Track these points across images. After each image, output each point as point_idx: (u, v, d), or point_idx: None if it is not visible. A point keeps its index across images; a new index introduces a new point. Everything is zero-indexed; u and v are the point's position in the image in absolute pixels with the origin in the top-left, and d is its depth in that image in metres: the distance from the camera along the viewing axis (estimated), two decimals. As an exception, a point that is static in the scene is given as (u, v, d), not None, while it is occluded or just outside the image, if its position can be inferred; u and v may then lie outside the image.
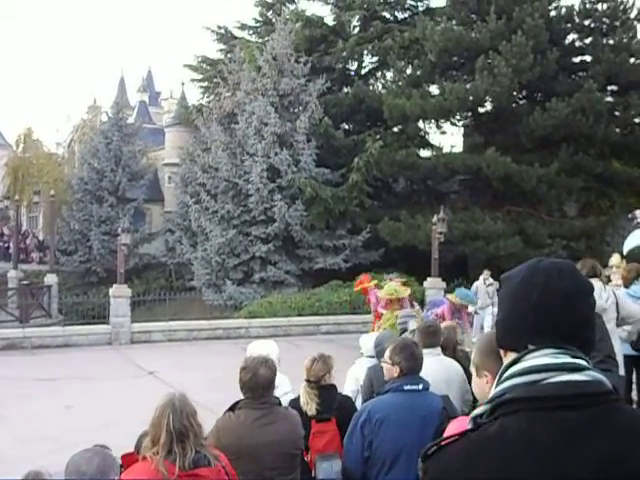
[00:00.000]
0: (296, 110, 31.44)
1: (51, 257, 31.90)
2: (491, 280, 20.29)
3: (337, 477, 5.58)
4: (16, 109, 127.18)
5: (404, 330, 8.56)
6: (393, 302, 17.20)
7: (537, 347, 1.83)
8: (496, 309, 19.54)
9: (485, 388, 2.65)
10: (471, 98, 27.45)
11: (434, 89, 30.58)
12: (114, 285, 21.56)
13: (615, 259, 12.12)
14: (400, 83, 31.15)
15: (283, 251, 29.63)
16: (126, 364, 17.22)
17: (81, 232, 37.49)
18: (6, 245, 44.57)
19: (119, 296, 20.87)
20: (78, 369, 16.36)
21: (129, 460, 4.21)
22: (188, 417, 3.92)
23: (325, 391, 5.89)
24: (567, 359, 1.80)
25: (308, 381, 5.91)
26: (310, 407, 5.75)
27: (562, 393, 1.74)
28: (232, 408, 5.00)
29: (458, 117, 31.27)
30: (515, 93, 28.59)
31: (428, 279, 23.79)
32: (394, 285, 16.37)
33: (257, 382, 4.87)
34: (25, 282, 29.54)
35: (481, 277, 20.84)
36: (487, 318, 19.60)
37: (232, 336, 20.76)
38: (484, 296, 20.05)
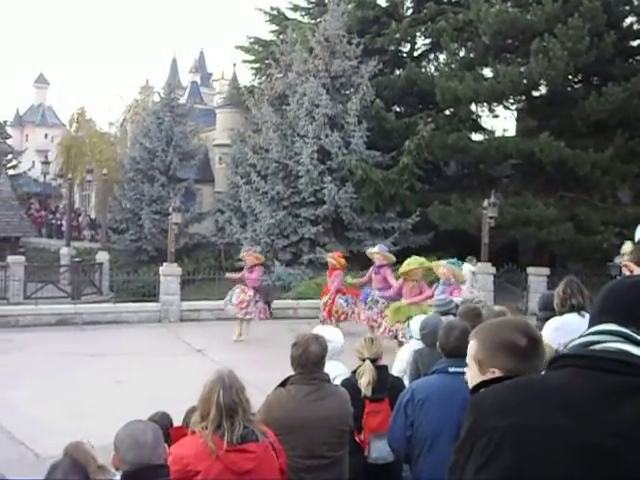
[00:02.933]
0: (347, 92, 31.32)
1: (103, 235, 32.28)
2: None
3: (390, 456, 5.61)
4: (70, 89, 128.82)
5: (444, 313, 8.48)
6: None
7: (605, 321, 1.91)
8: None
9: None
10: (525, 81, 27.04)
11: (487, 72, 30.19)
12: (164, 264, 21.77)
13: (627, 247, 11.90)
14: (453, 65, 30.80)
15: (332, 233, 29.61)
16: (175, 341, 17.39)
17: (132, 211, 37.87)
18: (59, 222, 45.25)
19: (169, 274, 21.06)
20: (128, 345, 16.56)
21: (178, 434, 4.26)
22: (237, 393, 3.97)
23: (380, 371, 5.91)
24: (626, 331, 1.85)
25: (370, 359, 5.93)
26: (369, 386, 5.77)
27: (609, 357, 1.80)
28: (283, 384, 5.03)
29: (511, 100, 30.85)
30: (570, 77, 28.09)
31: (478, 264, 23.58)
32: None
33: (308, 358, 4.90)
34: (77, 259, 29.92)
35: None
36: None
37: (280, 316, 20.79)
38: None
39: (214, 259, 35.09)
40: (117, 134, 52.26)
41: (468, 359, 2.75)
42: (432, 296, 13.29)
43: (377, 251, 16.91)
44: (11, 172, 44.37)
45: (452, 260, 14.12)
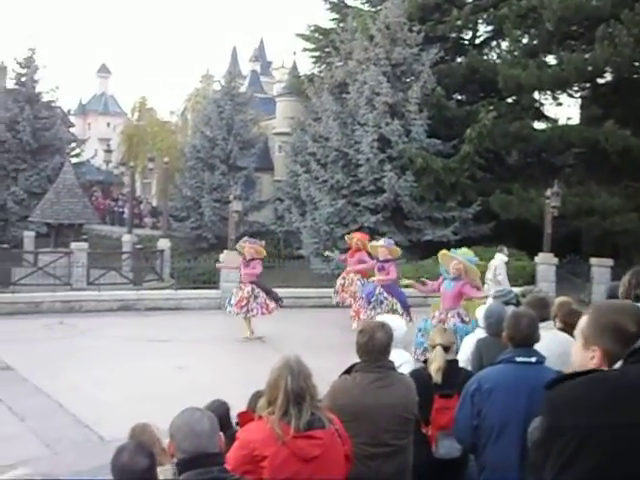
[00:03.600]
0: (408, 80, 31.12)
1: (164, 222, 32.59)
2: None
3: (457, 452, 5.57)
4: (131, 78, 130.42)
5: (505, 304, 8.34)
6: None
7: None
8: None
9: (589, 364, 2.51)
10: (590, 68, 26.57)
11: (551, 59, 29.74)
12: (225, 251, 21.93)
13: None
14: (516, 53, 30.40)
15: (392, 222, 29.48)
16: (235, 328, 17.46)
17: (193, 199, 38.18)
18: (121, 210, 45.91)
19: (229, 261, 21.17)
20: (188, 331, 16.70)
21: (244, 418, 4.26)
22: (305, 379, 3.96)
23: (450, 365, 5.83)
24: None
25: (442, 346, 5.86)
26: (439, 372, 5.70)
27: None
28: (348, 371, 5.01)
29: (575, 88, 30.36)
30: (636, 63, 27.45)
31: (540, 254, 23.28)
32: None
33: (373, 345, 4.87)
34: (139, 246, 30.27)
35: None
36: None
37: (326, 304, 20.80)
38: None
39: (273, 247, 35.05)
40: (178, 123, 52.77)
41: (576, 332, 2.73)
42: (438, 290, 12.67)
43: (382, 244, 16.23)
44: (74, 160, 44.99)
45: (470, 257, 12.45)
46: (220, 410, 4.70)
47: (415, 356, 10.75)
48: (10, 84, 44.79)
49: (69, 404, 10.79)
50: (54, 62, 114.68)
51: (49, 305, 19.00)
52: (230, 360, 13.13)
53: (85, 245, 27.81)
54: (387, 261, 15.72)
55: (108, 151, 49.29)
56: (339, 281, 18.36)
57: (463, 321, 11.48)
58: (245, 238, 17.35)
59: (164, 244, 29.64)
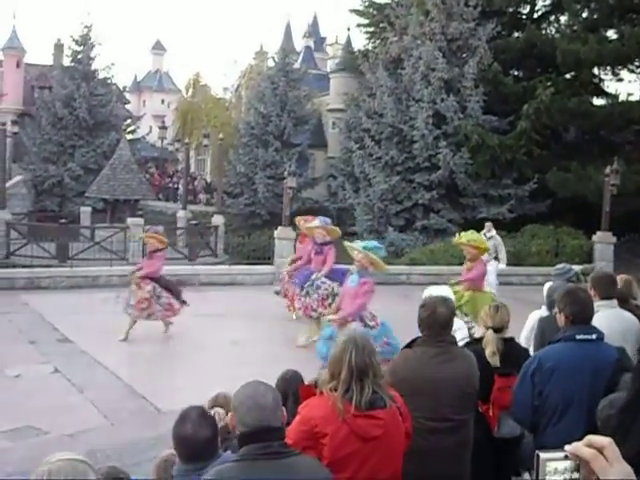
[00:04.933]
0: (464, 55, 30.70)
1: (218, 199, 32.77)
2: (493, 233, 18.56)
3: (517, 431, 5.51)
4: (185, 55, 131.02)
5: (568, 281, 8.18)
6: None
7: None
8: (500, 264, 18.31)
9: None
10: (652, 43, 25.94)
11: (612, 33, 29.12)
12: (279, 227, 22.00)
13: None
14: (575, 27, 29.80)
15: (446, 199, 29.25)
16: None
17: (247, 175, 38.29)
18: (175, 186, 46.26)
19: (283, 238, 21.28)
20: (243, 306, 16.79)
21: (306, 392, 4.22)
22: (369, 355, 3.92)
23: (508, 344, 5.74)
24: None
25: (493, 329, 5.76)
26: (495, 357, 5.61)
27: None
28: (409, 345, 4.97)
29: (637, 63, 29.69)
30: (701, 38, 26.76)
31: (597, 233, 22.90)
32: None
33: (435, 320, 4.81)
34: (193, 222, 30.51)
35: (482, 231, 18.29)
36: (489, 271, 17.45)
37: (392, 282, 20.72)
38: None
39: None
40: (232, 99, 52.88)
41: None
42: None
43: (318, 225, 13.88)
44: (129, 137, 45.44)
45: (371, 244, 10.93)
46: (295, 378, 4.70)
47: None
48: (67, 61, 45.30)
49: (126, 376, 10.94)
50: (110, 39, 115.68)
51: (106, 279, 19.24)
52: (284, 336, 13.13)
53: (141, 220, 28.09)
54: (325, 244, 13.53)
55: (163, 128, 49.67)
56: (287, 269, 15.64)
57: (367, 325, 9.80)
58: (148, 227, 15.32)
59: (218, 220, 29.82)
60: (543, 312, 7.18)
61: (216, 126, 44.36)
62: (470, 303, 11.14)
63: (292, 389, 4.36)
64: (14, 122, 42.40)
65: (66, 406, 9.74)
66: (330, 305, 12.41)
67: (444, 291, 6.67)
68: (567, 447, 1.71)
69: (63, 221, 28.38)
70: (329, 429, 3.80)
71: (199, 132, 47.05)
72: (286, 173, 22.55)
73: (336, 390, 3.86)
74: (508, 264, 22.96)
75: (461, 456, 4.97)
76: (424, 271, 21.65)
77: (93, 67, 43.99)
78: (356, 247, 10.46)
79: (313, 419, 3.85)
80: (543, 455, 1.72)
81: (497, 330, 5.76)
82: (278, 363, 10.22)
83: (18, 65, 49.18)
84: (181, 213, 32.90)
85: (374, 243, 10.94)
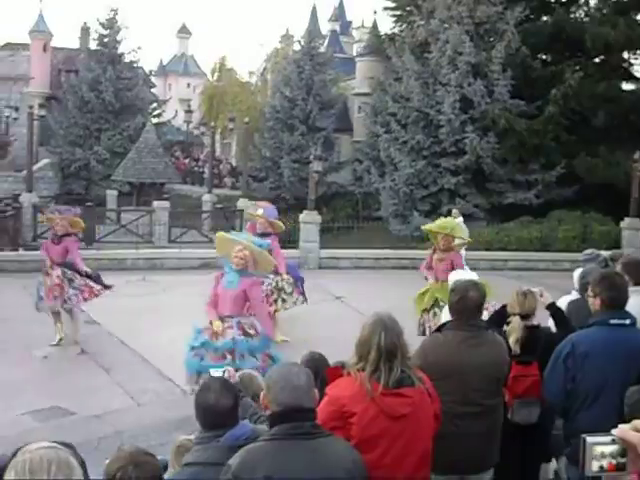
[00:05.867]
0: (492, 39, 30.41)
1: (243, 183, 32.82)
2: (459, 220, 17.85)
3: (533, 419, 5.54)
4: (211, 39, 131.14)
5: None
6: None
7: None
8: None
9: None
10: (684, 27, 25.59)
11: (642, 17, 28.74)
12: (304, 211, 21.97)
13: None
14: (605, 11, 29.42)
15: (472, 184, 29.07)
16: (315, 288, 17.42)
17: (272, 159, 38.24)
18: (201, 170, 46.33)
19: (309, 222, 21.25)
20: (268, 290, 16.76)
21: (333, 374, 4.21)
22: (397, 336, 3.93)
23: (532, 332, 5.68)
24: None
25: (520, 315, 5.69)
26: (517, 344, 5.56)
27: None
28: (439, 329, 4.94)
29: (668, 47, 29.29)
30: None
31: (626, 219, 22.66)
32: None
33: (466, 304, 4.79)
34: (219, 206, 30.56)
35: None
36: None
37: (418, 266, 20.63)
38: None
39: (351, 208, 35.15)
40: (257, 83, 52.83)
41: None
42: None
43: (261, 214, 12.61)
44: (155, 120, 45.57)
45: (258, 241, 9.52)
46: (322, 360, 4.69)
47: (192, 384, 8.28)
48: (93, 45, 45.45)
49: (152, 358, 11.00)
50: (136, 23, 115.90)
51: (132, 262, 19.34)
52: (311, 319, 13.12)
53: (167, 204, 28.18)
54: (266, 235, 12.11)
55: (188, 111, 49.75)
56: None
57: (246, 333, 8.51)
58: (54, 207, 13.64)
59: (243, 204, 29.82)
60: (573, 297, 7.11)
61: (242, 110, 44.32)
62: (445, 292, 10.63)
63: (319, 370, 4.35)
64: (41, 106, 42.59)
65: (93, 387, 9.81)
66: (275, 301, 11.89)
67: (469, 276, 6.62)
68: (614, 431, 1.67)
69: (89, 204, 28.55)
70: (357, 408, 3.81)
71: (225, 116, 47.01)
72: (312, 157, 22.51)
73: (364, 371, 3.87)
74: (530, 249, 22.91)
75: (490, 441, 4.96)
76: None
77: (119, 51, 44.09)
78: (239, 240, 8.96)
79: (341, 399, 3.85)
80: (590, 439, 1.68)
81: (524, 317, 5.70)
82: (307, 347, 10.23)
83: (45, 49, 49.37)
84: (207, 197, 32.97)
85: (259, 241, 9.44)
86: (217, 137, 45.96)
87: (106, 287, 12.11)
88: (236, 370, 7.71)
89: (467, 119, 28.76)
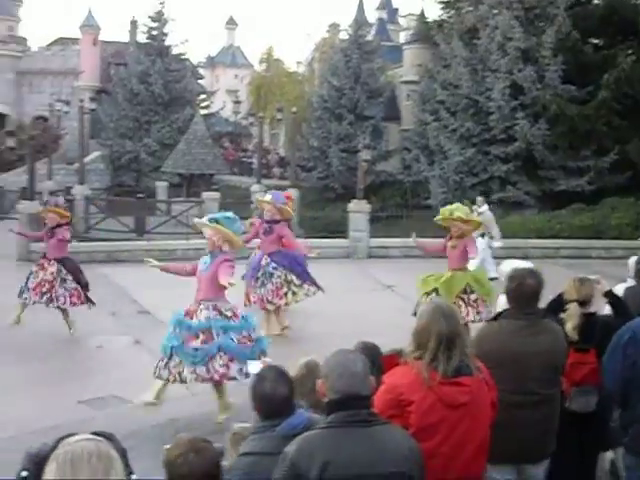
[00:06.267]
0: (542, 24, 30.01)
1: (291, 173, 32.83)
2: (484, 208, 17.88)
3: (590, 407, 5.45)
4: (258, 30, 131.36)
5: None
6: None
7: None
8: (494, 242, 17.56)
9: None
10: None
11: (698, -3, 28.07)
12: (353, 200, 21.92)
13: None
14: (659, -9, 28.82)
15: (523, 171, 28.78)
16: (365, 277, 17.47)
17: (320, 149, 38.21)
18: (249, 161, 46.49)
19: (358, 211, 21.20)
20: (319, 279, 16.76)
21: (389, 362, 4.18)
22: (457, 324, 3.92)
23: (589, 319, 5.58)
24: None
25: (578, 302, 5.59)
26: (574, 331, 5.46)
27: None
28: (495, 317, 4.88)
29: None
30: None
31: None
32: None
33: (523, 292, 4.72)
34: (268, 196, 30.62)
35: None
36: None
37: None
38: None
39: (400, 197, 34.97)
40: (305, 73, 52.82)
41: None
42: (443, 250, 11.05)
43: (268, 200, 12.22)
44: (204, 112, 45.86)
45: (220, 214, 8.92)
46: (376, 349, 4.66)
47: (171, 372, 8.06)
48: (142, 38, 45.85)
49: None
50: (183, 16, 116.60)
51: (183, 252, 19.47)
52: (362, 309, 13.11)
53: (216, 195, 28.34)
54: (275, 222, 12.01)
55: (236, 102, 49.96)
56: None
57: (222, 314, 8.18)
58: (47, 199, 13.19)
59: (293, 194, 29.84)
60: (628, 284, 6.99)
61: (289, 100, 44.40)
62: (447, 283, 10.49)
63: (375, 358, 4.32)
64: (92, 99, 43.17)
65: (147, 376, 9.87)
66: (286, 295, 11.65)
67: (525, 265, 6.52)
68: None
69: (140, 196, 28.85)
70: (415, 397, 3.79)
71: (272, 106, 47.13)
72: (360, 146, 22.50)
73: (421, 359, 3.84)
74: (582, 237, 22.49)
75: (547, 430, 4.89)
76: (500, 244, 21.32)
77: (167, 43, 44.46)
78: (204, 222, 8.55)
79: (399, 387, 3.84)
80: None
81: (581, 304, 5.60)
82: (357, 336, 10.21)
83: (95, 43, 49.94)
84: (255, 187, 32.97)
85: (225, 214, 8.87)
86: (265, 127, 46.01)
87: (89, 300, 11.83)
88: (210, 355, 7.80)
89: (517, 105, 28.49)
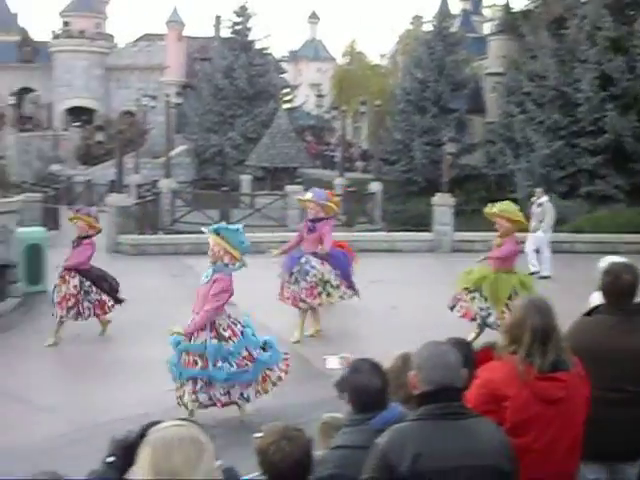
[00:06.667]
0: (632, 12, 29.25)
1: (374, 166, 32.79)
2: (544, 199, 17.16)
3: None
4: (341, 23, 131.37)
5: None
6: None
7: None
8: (546, 234, 16.83)
9: None
10: None
11: None
12: (437, 194, 21.74)
13: None
14: None
15: (612, 164, 28.11)
16: (447, 272, 17.24)
17: (403, 142, 38.02)
18: (332, 154, 46.56)
19: (442, 205, 21.01)
20: (401, 273, 16.74)
21: (483, 357, 4.12)
22: (551, 318, 3.83)
23: None
24: None
25: None
26: None
27: None
28: (589, 312, 4.75)
29: None
30: None
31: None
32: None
33: (618, 287, 4.59)
34: (351, 189, 30.60)
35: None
36: (529, 243, 16.56)
37: (556, 250, 20.20)
38: (534, 219, 16.60)
39: (485, 191, 34.52)
40: (388, 66, 52.61)
41: None
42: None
43: (310, 198, 11.78)
44: (287, 106, 46.09)
45: (224, 227, 8.57)
46: (467, 343, 4.58)
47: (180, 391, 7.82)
48: (226, 33, 46.34)
49: (289, 339, 11.10)
50: (266, 10, 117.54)
51: (267, 245, 19.57)
52: (443, 303, 12.96)
53: (300, 188, 28.42)
54: (318, 220, 11.48)
55: (319, 96, 50.11)
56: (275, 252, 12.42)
57: (220, 336, 7.80)
58: (79, 207, 12.72)
59: (375, 187, 29.82)
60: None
61: (372, 93, 44.29)
62: (491, 286, 10.05)
63: (467, 353, 4.24)
64: (177, 94, 43.94)
65: (232, 367, 9.99)
66: (320, 295, 11.15)
67: (621, 260, 6.32)
68: None
69: (224, 189, 29.14)
70: (510, 391, 3.73)
71: (355, 100, 47.12)
72: (445, 139, 22.31)
73: (516, 354, 3.78)
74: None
75: (640, 430, 4.73)
76: (588, 239, 20.87)
77: (251, 38, 44.82)
78: (210, 234, 8.14)
79: (493, 382, 3.79)
80: None
81: None
82: (437, 330, 10.10)
83: (179, 38, 50.72)
84: (338, 180, 33.07)
85: (231, 226, 8.59)
86: (348, 121, 46.08)
87: (117, 301, 11.55)
88: (209, 380, 7.61)
89: (607, 97, 27.88)
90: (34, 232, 10.75)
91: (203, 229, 8.67)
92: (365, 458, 3.32)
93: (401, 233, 22.20)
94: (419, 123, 37.51)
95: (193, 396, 7.61)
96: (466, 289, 10.36)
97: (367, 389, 3.76)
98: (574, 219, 25.46)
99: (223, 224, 8.78)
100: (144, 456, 2.17)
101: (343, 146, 36.48)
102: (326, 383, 4.37)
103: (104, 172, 38.61)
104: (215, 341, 7.68)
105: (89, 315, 11.24)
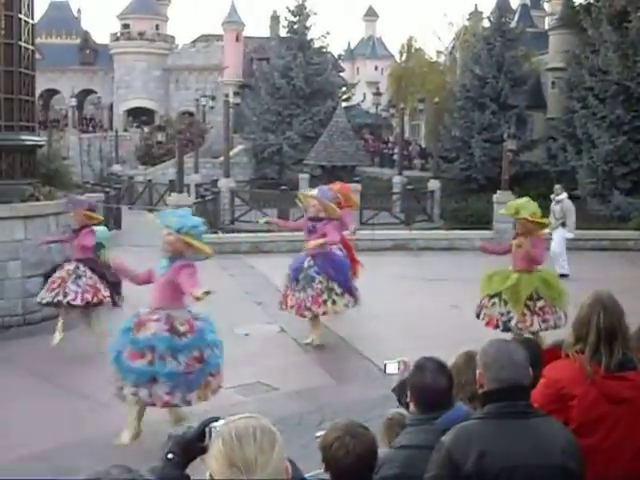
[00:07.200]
0: None
1: (433, 164, 32.61)
2: (563, 196, 16.75)
3: None
4: (398, 20, 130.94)
5: None
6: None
7: None
8: (567, 232, 16.43)
9: None
10: None
11: None
12: (498, 191, 21.53)
13: None
14: None
15: (678, 160, 27.53)
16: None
17: (462, 139, 37.64)
18: (390, 152, 46.40)
19: (503, 202, 20.64)
20: (461, 272, 16.56)
21: (550, 356, 4.07)
22: (618, 316, 3.77)
23: None
24: None
25: None
26: None
27: None
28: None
29: None
30: None
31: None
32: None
33: None
34: (409, 187, 30.50)
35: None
36: (555, 239, 16.43)
37: (620, 248, 19.91)
38: (552, 216, 16.18)
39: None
40: (446, 62, 52.17)
41: None
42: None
43: (314, 194, 11.38)
44: (345, 104, 46.11)
45: (181, 213, 7.98)
46: (534, 341, 4.53)
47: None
48: (283, 32, 46.52)
49: (350, 338, 11.12)
50: (324, 9, 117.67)
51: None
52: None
53: (358, 186, 28.37)
54: (319, 220, 10.96)
55: (377, 94, 49.97)
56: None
57: (174, 329, 7.25)
58: (69, 197, 12.11)
59: (434, 185, 29.68)
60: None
61: (430, 90, 43.95)
62: (513, 288, 9.53)
63: (534, 352, 4.17)
64: (235, 93, 44.25)
65: (292, 364, 10.04)
66: (325, 303, 10.65)
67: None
68: None
69: (283, 188, 29.28)
70: (577, 391, 3.69)
71: (413, 97, 46.85)
72: (505, 136, 22.05)
73: (583, 353, 3.74)
74: None
75: None
76: (572, 236, 20.42)
77: (308, 37, 44.92)
78: (166, 224, 7.59)
79: (560, 381, 3.75)
80: None
81: None
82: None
83: (237, 39, 51.13)
84: (397, 179, 33.01)
85: (192, 221, 7.75)
86: (406, 119, 45.80)
87: (114, 302, 10.93)
88: (153, 378, 7.08)
89: (673, 90, 27.23)
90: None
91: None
92: None
93: (461, 231, 22.02)
94: (478, 120, 37.09)
95: (133, 389, 7.19)
96: (488, 295, 9.98)
97: (432, 388, 3.70)
98: (638, 216, 25.03)
99: (185, 221, 7.63)
100: (217, 447, 2.19)
101: (401, 144, 36.35)
102: (389, 382, 4.35)
103: (164, 172, 39.11)
104: (167, 334, 7.19)
105: (74, 299, 10.51)
